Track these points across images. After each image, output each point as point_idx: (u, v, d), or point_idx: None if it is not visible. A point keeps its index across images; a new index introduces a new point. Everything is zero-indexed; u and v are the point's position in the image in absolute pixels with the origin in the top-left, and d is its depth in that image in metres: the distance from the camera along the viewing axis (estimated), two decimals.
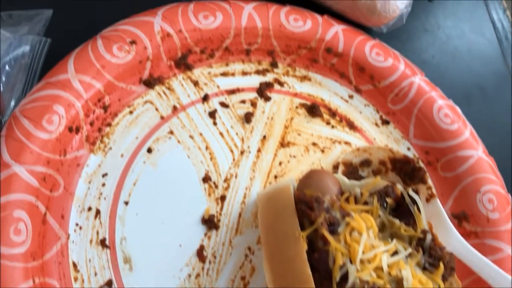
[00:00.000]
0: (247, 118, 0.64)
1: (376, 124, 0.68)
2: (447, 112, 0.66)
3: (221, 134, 0.62)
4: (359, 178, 0.61)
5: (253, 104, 0.65)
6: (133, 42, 0.60)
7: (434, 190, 0.58)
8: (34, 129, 0.52)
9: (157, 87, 0.62)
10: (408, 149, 0.67)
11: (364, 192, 0.53)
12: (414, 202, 0.53)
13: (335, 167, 0.63)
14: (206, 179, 0.59)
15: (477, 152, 0.64)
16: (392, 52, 0.69)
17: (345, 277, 0.45)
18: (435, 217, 0.57)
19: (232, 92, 0.65)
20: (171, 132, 0.61)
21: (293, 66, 0.68)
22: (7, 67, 0.55)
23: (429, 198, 0.58)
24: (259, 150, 0.62)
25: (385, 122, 0.68)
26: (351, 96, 0.68)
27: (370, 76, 0.68)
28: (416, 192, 0.55)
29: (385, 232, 0.52)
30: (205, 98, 0.63)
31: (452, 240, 0.56)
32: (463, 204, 0.63)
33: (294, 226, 0.47)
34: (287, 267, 0.47)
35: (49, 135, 0.53)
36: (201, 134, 0.61)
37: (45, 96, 0.54)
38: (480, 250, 0.56)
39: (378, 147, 0.63)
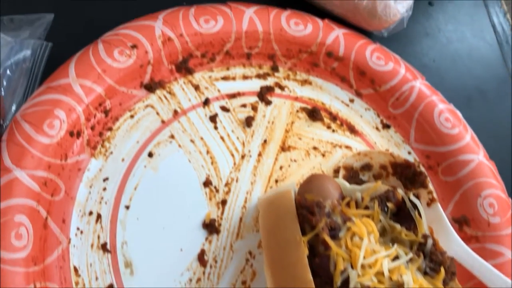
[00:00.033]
0: (248, 122, 0.64)
1: (377, 128, 0.68)
2: (448, 116, 0.66)
3: (222, 138, 0.62)
4: (360, 182, 0.61)
5: (254, 108, 0.65)
6: (134, 46, 0.60)
7: (435, 195, 0.58)
8: (35, 133, 0.52)
9: (158, 91, 0.62)
10: (409, 153, 0.67)
11: (365, 196, 0.53)
12: (415, 206, 0.53)
13: (336, 171, 0.63)
14: (207, 183, 0.59)
15: (478, 157, 0.64)
16: (393, 56, 0.69)
17: (346, 282, 0.45)
18: (436, 221, 0.57)
19: (233, 96, 0.65)
20: (172, 136, 0.61)
21: (294, 70, 0.68)
22: (8, 72, 0.55)
23: (430, 203, 0.58)
24: (260, 154, 0.62)
25: (386, 126, 0.68)
26: (351, 100, 0.68)
27: (371, 80, 0.68)
28: (417, 196, 0.55)
29: (386, 236, 0.52)
30: (206, 102, 0.63)
31: (453, 244, 0.56)
32: (464, 208, 0.63)
33: (295, 231, 0.47)
34: (288, 272, 0.47)
35: (50, 139, 0.53)
36: (202, 138, 0.61)
37: (46, 100, 0.54)
38: (481, 255, 0.56)
39: (379, 151, 0.63)
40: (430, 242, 0.51)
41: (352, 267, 0.45)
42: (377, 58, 0.68)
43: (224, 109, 0.64)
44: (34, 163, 0.51)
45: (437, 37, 0.79)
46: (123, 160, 0.58)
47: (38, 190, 0.51)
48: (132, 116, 0.60)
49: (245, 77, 0.66)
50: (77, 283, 0.52)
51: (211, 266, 0.55)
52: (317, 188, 0.52)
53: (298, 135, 0.65)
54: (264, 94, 0.66)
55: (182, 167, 0.59)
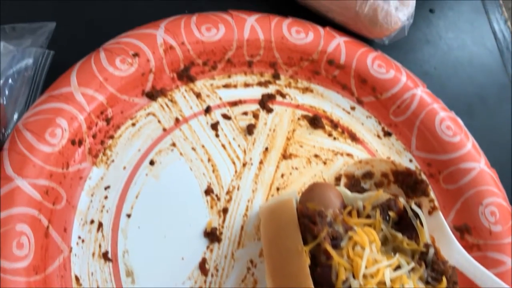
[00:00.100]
0: (249, 130, 0.64)
1: (378, 136, 0.68)
2: (449, 124, 0.66)
3: (223, 146, 0.62)
4: (362, 190, 0.61)
5: (255, 115, 0.65)
6: (136, 55, 0.60)
7: (436, 203, 0.58)
8: (37, 142, 0.52)
9: (159, 99, 0.62)
10: (410, 161, 0.67)
11: (366, 205, 0.53)
12: (416, 215, 0.53)
13: (337, 179, 0.63)
14: (208, 191, 0.59)
15: (479, 165, 0.64)
16: (394, 64, 0.69)
17: None
18: (438, 230, 0.57)
19: (234, 104, 0.65)
20: (174, 144, 0.61)
21: (295, 77, 0.68)
22: (10, 81, 0.55)
23: (432, 211, 0.58)
24: (261, 162, 0.62)
25: (387, 134, 0.68)
26: (353, 108, 0.68)
27: (372, 88, 0.68)
28: (419, 205, 0.55)
29: (388, 246, 0.52)
30: (208, 110, 0.64)
31: (455, 253, 0.56)
32: (465, 216, 0.63)
33: (297, 241, 0.47)
34: (289, 281, 0.47)
35: (52, 148, 0.53)
36: (203, 146, 0.61)
37: (48, 109, 0.54)
38: (482, 263, 0.56)
39: (380, 159, 0.63)
40: (431, 251, 0.51)
41: (354, 277, 0.45)
42: (378, 66, 0.68)
43: (226, 117, 0.64)
44: (35, 172, 0.51)
45: (438, 44, 0.79)
46: (124, 168, 0.58)
47: (39, 199, 0.51)
48: (133, 124, 0.60)
49: (246, 85, 0.66)
50: None
51: (212, 275, 0.55)
52: (319, 197, 0.52)
53: (300, 143, 0.65)
54: (265, 102, 0.66)
55: (183, 175, 0.59)
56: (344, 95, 0.69)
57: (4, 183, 0.50)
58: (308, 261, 0.46)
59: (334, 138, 0.66)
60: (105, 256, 0.54)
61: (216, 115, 0.64)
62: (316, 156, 0.64)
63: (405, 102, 0.67)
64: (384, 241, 0.52)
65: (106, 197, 0.56)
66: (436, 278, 0.50)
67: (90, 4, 0.67)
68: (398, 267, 0.49)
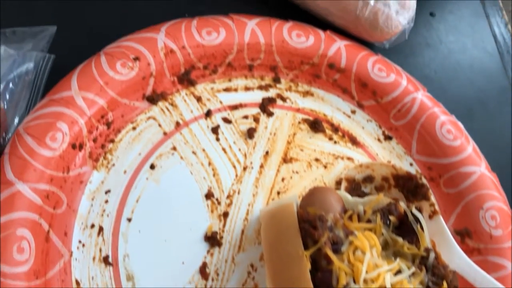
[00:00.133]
0: (250, 133, 0.64)
1: (379, 140, 0.68)
2: (449, 128, 0.66)
3: (223, 150, 0.62)
4: (362, 194, 0.61)
5: (256, 119, 0.65)
6: (136, 59, 0.60)
7: (437, 207, 0.58)
8: (37, 146, 0.52)
9: (160, 103, 0.62)
10: (411, 164, 0.67)
11: (367, 209, 0.53)
12: (417, 220, 0.53)
13: (338, 183, 0.63)
14: (208, 195, 0.59)
15: (479, 168, 0.64)
16: (394, 67, 0.69)
17: None
18: (438, 234, 0.57)
19: (235, 107, 0.65)
20: (174, 148, 0.61)
21: (296, 81, 0.68)
22: (11, 85, 0.55)
23: (432, 215, 0.58)
24: (261, 166, 0.62)
25: (388, 138, 0.68)
26: (353, 112, 0.68)
27: (373, 92, 0.68)
28: (419, 209, 0.55)
29: (388, 250, 0.52)
30: (208, 114, 0.64)
31: (455, 257, 0.56)
32: (466, 220, 0.63)
33: (298, 245, 0.47)
34: (290, 286, 0.47)
35: (52, 152, 0.53)
36: (204, 150, 0.61)
37: (49, 113, 0.54)
38: (483, 267, 0.56)
39: (381, 163, 0.63)
40: (432, 255, 0.51)
41: (354, 281, 0.45)
42: (378, 69, 0.68)
43: (226, 120, 0.64)
44: (36, 176, 0.51)
45: (438, 48, 0.79)
46: (125, 172, 0.58)
47: (40, 203, 0.51)
48: (134, 128, 0.60)
49: (247, 89, 0.66)
50: None
51: (213, 279, 0.55)
52: (319, 201, 0.52)
53: (300, 147, 0.65)
54: (266, 106, 0.66)
55: (184, 179, 0.59)
56: (345, 98, 0.69)
57: (4, 188, 0.50)
58: (308, 266, 0.46)
59: (335, 142, 0.66)
60: (105, 260, 0.54)
61: (217, 118, 0.64)
62: (316, 160, 0.64)
63: (405, 106, 0.67)
64: (385, 246, 0.52)
65: (106, 201, 0.56)
66: (436, 282, 0.50)
67: (90, 8, 0.67)
68: (398, 272, 0.49)
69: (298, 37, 0.67)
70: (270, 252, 0.51)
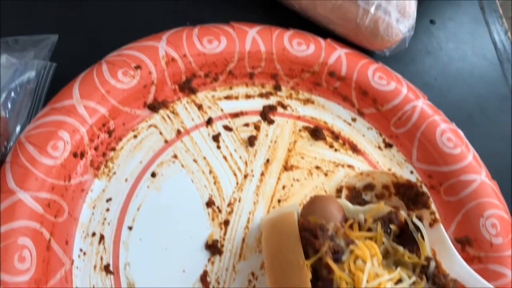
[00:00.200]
0: (251, 141, 0.64)
1: (379, 147, 0.68)
2: (450, 136, 0.66)
3: (224, 157, 0.62)
4: (363, 202, 0.61)
5: (257, 127, 0.65)
6: (138, 67, 0.60)
7: (437, 215, 0.58)
8: (39, 155, 0.52)
9: (161, 111, 0.63)
10: (411, 172, 0.67)
11: (368, 218, 0.53)
12: (417, 228, 0.53)
13: (339, 191, 0.63)
14: (209, 203, 0.59)
15: (480, 176, 0.64)
16: (395, 75, 0.69)
17: None
18: (439, 242, 0.57)
19: (235, 115, 0.65)
20: (175, 156, 0.61)
21: (296, 89, 0.69)
22: (12, 94, 0.55)
23: (433, 223, 0.58)
24: (262, 174, 0.63)
25: (388, 146, 0.68)
26: (354, 119, 0.69)
27: (373, 100, 0.68)
28: (420, 218, 0.55)
29: (389, 259, 0.52)
30: (209, 122, 0.64)
31: (456, 266, 0.56)
32: (466, 228, 0.63)
33: (298, 255, 0.47)
34: None
35: (54, 161, 0.53)
36: (204, 158, 0.62)
37: (50, 122, 0.54)
38: (483, 276, 0.56)
39: (381, 171, 0.64)
40: (433, 264, 0.51)
41: None
42: (379, 77, 0.68)
43: (227, 128, 0.64)
44: (37, 185, 0.52)
45: (438, 55, 0.80)
46: (126, 180, 0.58)
47: (41, 212, 0.51)
48: (135, 136, 0.61)
49: (248, 96, 0.67)
50: None
51: None
52: (320, 210, 0.52)
53: (301, 154, 0.65)
54: (266, 113, 0.66)
55: (185, 187, 0.60)
56: (345, 106, 0.69)
57: (6, 197, 0.50)
58: (309, 275, 0.46)
59: (335, 150, 0.66)
60: (106, 268, 0.54)
61: (218, 126, 0.64)
62: (317, 167, 0.64)
63: (406, 114, 0.67)
64: (385, 255, 0.52)
65: (107, 210, 0.56)
66: None
67: (92, 17, 0.68)
68: (399, 281, 0.49)
69: (299, 45, 0.67)
70: (271, 261, 0.52)
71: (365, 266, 0.47)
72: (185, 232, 0.57)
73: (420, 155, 0.67)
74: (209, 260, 0.56)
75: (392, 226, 0.53)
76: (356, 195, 0.62)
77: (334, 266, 0.46)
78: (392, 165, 0.67)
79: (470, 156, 0.65)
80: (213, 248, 0.57)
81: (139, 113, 0.61)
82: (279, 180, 0.63)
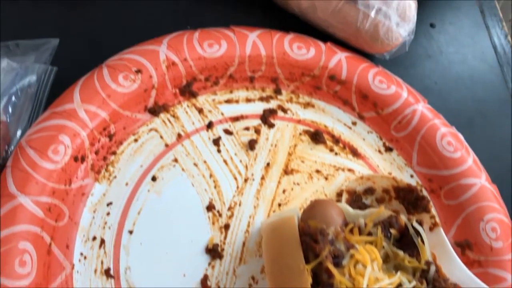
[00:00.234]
0: (251, 145, 0.64)
1: (379, 151, 0.68)
2: (450, 140, 0.66)
3: (225, 161, 0.62)
4: (363, 206, 0.61)
5: (257, 131, 0.65)
6: (138, 71, 0.60)
7: (437, 219, 0.58)
8: (39, 159, 0.53)
9: (162, 115, 0.63)
10: (411, 176, 0.67)
11: (368, 222, 0.53)
12: (417, 233, 0.53)
13: (339, 195, 0.63)
14: (210, 207, 0.59)
15: (480, 180, 0.64)
16: (395, 79, 0.70)
17: None
18: (439, 246, 0.57)
19: (236, 119, 0.65)
20: (176, 160, 0.61)
21: (297, 93, 0.69)
22: (13, 98, 0.55)
23: (433, 227, 0.58)
24: (263, 178, 0.63)
25: (388, 149, 0.68)
26: (354, 123, 0.69)
27: (373, 104, 0.68)
28: (420, 222, 0.55)
29: (389, 263, 0.52)
30: (210, 126, 0.64)
31: (456, 270, 0.56)
32: (466, 232, 0.63)
33: (299, 259, 0.47)
34: None
35: (54, 165, 0.53)
36: (205, 162, 0.62)
37: (51, 126, 0.55)
38: (483, 280, 0.56)
39: (381, 175, 0.64)
40: (433, 269, 0.51)
41: None
42: (379, 81, 0.68)
43: (228, 132, 0.64)
44: (38, 189, 0.52)
45: (438, 59, 0.80)
46: (126, 184, 0.58)
47: (42, 216, 0.51)
48: (136, 140, 0.61)
49: (248, 100, 0.67)
50: None
51: None
52: (321, 214, 0.52)
53: (301, 158, 0.65)
54: (267, 117, 0.66)
55: (185, 191, 0.60)
56: (345, 110, 0.69)
57: (7, 201, 0.50)
58: (310, 280, 0.46)
59: (336, 153, 0.66)
60: (107, 273, 0.54)
61: (218, 130, 0.64)
62: (317, 171, 0.64)
63: (406, 118, 0.67)
64: (386, 259, 0.52)
65: (108, 214, 0.56)
66: None
67: (93, 21, 0.68)
68: (399, 285, 0.49)
69: (299, 49, 0.68)
70: (271, 265, 0.52)
71: (366, 271, 0.47)
72: (186, 236, 0.57)
73: (420, 159, 0.67)
74: (209, 264, 0.57)
75: (393, 231, 0.53)
76: (356, 199, 0.62)
77: (334, 270, 0.46)
78: (393, 169, 0.67)
79: (470, 160, 0.65)
80: (214, 252, 0.57)
81: (139, 117, 0.62)
82: (279, 184, 0.63)
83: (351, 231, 0.51)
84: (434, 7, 0.85)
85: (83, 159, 0.56)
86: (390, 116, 0.68)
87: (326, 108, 0.69)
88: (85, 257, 0.54)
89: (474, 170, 0.65)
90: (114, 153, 0.59)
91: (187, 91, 0.64)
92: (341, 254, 0.48)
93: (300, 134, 0.66)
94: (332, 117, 0.68)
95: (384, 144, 0.68)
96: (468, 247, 0.62)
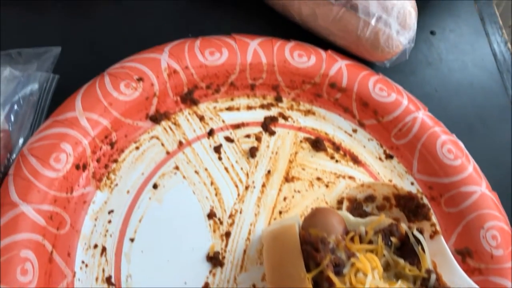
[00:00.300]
0: (252, 152, 0.64)
1: (380, 159, 0.68)
2: (450, 147, 0.66)
3: (226, 169, 0.63)
4: (364, 213, 0.61)
5: (258, 138, 0.65)
6: (140, 79, 0.61)
7: (438, 227, 0.58)
8: (41, 167, 0.53)
9: (163, 123, 0.63)
10: (412, 184, 0.67)
11: (368, 230, 0.53)
12: (418, 241, 0.53)
13: (340, 202, 0.63)
14: (211, 215, 0.59)
15: (480, 188, 0.64)
16: (395, 87, 0.70)
17: None
18: (439, 254, 0.57)
19: (237, 126, 0.65)
20: (177, 168, 0.61)
21: (297, 100, 0.69)
22: (15, 106, 0.56)
23: (433, 235, 0.58)
24: (263, 185, 0.63)
25: (389, 157, 0.68)
26: (355, 130, 0.69)
27: (374, 111, 0.68)
28: (420, 230, 0.55)
29: (390, 271, 0.52)
30: (211, 133, 0.64)
31: (456, 278, 0.56)
32: (466, 240, 0.63)
33: (300, 268, 0.47)
34: None
35: (56, 173, 0.53)
36: (206, 169, 0.62)
37: (53, 134, 0.55)
38: (484, 287, 0.56)
39: (382, 183, 0.64)
40: (433, 277, 0.51)
41: None
42: (379, 89, 0.68)
43: (229, 139, 0.64)
44: (40, 197, 0.52)
45: (439, 66, 0.80)
46: (128, 192, 0.58)
47: (44, 224, 0.51)
48: (137, 148, 0.61)
49: (249, 108, 0.67)
50: None
51: None
52: (322, 223, 0.52)
53: (302, 166, 0.65)
54: (268, 125, 0.66)
55: (186, 199, 0.60)
56: (346, 117, 0.69)
57: (9, 209, 0.50)
58: None
59: (336, 161, 0.66)
60: (108, 280, 0.54)
61: (219, 138, 0.64)
62: (318, 179, 0.65)
63: (406, 125, 0.67)
64: (386, 267, 0.52)
65: (109, 221, 0.57)
66: None
67: (94, 29, 0.68)
68: None
69: (300, 57, 0.68)
70: (272, 273, 0.52)
71: (366, 279, 0.47)
72: (187, 243, 0.57)
73: (421, 167, 0.67)
74: (210, 272, 0.57)
75: (393, 239, 0.53)
76: (357, 207, 0.62)
77: (335, 279, 0.46)
78: (393, 176, 0.67)
79: (470, 167, 0.66)
80: (215, 260, 0.57)
81: (141, 125, 0.62)
82: (280, 191, 0.63)
83: (352, 239, 0.52)
84: (434, 15, 0.85)
85: (84, 167, 0.56)
86: (391, 124, 0.68)
87: (327, 116, 0.69)
88: (86, 265, 0.54)
89: (475, 178, 0.65)
90: (115, 161, 0.59)
91: (189, 99, 0.64)
92: (342, 263, 0.48)
93: (301, 141, 0.67)
94: (332, 125, 0.69)
95: (384, 152, 0.69)
96: (469, 255, 0.62)
